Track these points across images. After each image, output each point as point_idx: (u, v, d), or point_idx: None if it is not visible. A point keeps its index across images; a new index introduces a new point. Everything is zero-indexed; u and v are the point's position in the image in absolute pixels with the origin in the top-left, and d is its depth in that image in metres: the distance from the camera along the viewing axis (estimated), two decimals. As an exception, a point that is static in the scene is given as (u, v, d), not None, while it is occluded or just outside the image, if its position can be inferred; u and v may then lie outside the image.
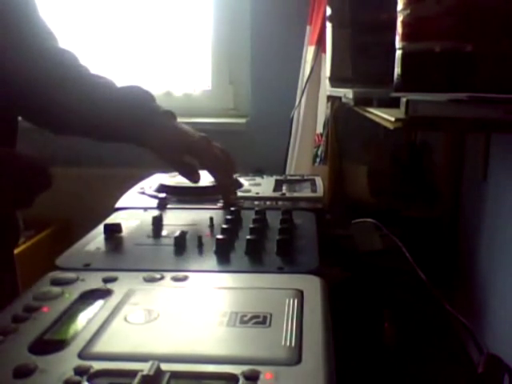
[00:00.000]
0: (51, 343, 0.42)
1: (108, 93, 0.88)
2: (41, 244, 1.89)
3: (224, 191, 0.84)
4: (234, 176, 0.91)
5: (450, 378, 0.64)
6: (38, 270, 0.57)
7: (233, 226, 0.67)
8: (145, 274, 0.54)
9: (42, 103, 0.87)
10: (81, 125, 0.88)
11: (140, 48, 2.22)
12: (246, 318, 0.45)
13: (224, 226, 0.66)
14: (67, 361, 0.39)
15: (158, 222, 0.71)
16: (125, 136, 0.88)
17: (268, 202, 0.82)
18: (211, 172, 0.84)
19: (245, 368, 0.37)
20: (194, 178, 0.84)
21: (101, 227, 0.69)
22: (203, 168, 0.84)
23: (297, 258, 0.60)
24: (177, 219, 0.74)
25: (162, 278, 0.54)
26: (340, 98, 1.15)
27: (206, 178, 0.85)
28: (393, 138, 1.57)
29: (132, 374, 0.36)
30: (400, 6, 0.71)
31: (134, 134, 0.86)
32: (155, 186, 0.89)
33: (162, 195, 0.83)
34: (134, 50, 2.23)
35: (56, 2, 2.20)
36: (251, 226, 0.66)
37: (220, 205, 0.80)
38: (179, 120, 0.89)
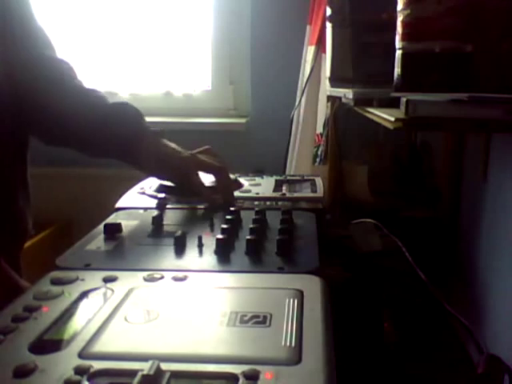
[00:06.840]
0: (51, 343, 0.42)
1: (100, 107, 0.88)
2: (42, 244, 1.89)
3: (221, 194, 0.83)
4: (232, 178, 0.90)
5: (449, 378, 0.64)
6: (39, 270, 0.57)
7: (233, 226, 0.67)
8: (145, 274, 0.54)
9: (35, 112, 0.87)
10: (71, 138, 0.88)
11: (140, 48, 2.22)
12: (246, 318, 0.45)
13: (224, 226, 0.66)
14: (67, 360, 0.39)
15: (157, 222, 0.71)
16: (115, 153, 0.88)
17: (268, 202, 0.82)
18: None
19: (245, 368, 0.37)
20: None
21: (101, 227, 0.69)
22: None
23: (297, 258, 0.60)
24: (177, 219, 0.74)
25: (162, 277, 0.54)
26: (340, 98, 1.15)
27: (206, 179, 0.85)
28: (393, 138, 1.57)
29: (132, 373, 0.36)
30: (400, 5, 0.72)
31: (124, 151, 0.86)
32: (155, 186, 0.89)
33: (162, 195, 0.83)
34: (134, 51, 2.22)
35: (55, 2, 2.20)
36: (251, 226, 0.66)
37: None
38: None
